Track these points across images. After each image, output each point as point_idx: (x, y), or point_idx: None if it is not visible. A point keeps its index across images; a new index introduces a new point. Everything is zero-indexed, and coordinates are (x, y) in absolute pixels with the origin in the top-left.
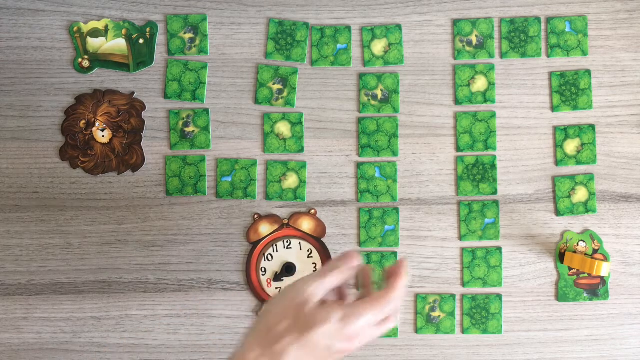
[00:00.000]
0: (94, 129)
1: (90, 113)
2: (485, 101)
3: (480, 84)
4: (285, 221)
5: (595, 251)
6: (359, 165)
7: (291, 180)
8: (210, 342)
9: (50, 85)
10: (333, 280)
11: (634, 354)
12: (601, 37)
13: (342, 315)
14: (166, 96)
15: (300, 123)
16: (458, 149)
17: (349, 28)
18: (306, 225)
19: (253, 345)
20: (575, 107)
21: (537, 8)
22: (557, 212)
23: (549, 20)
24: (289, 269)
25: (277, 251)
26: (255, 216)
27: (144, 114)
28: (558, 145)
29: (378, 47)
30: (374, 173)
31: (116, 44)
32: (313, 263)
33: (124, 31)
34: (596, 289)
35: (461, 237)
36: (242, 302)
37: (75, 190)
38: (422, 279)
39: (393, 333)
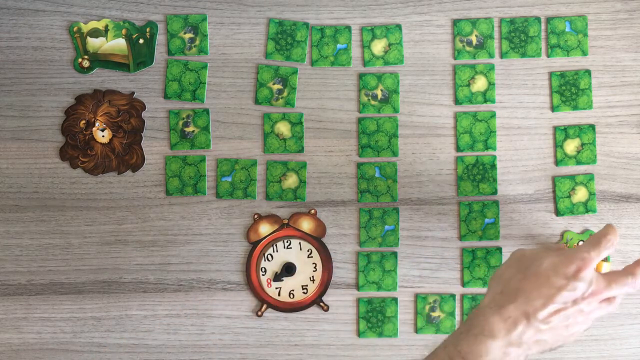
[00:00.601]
0: (94, 129)
1: (90, 113)
2: (485, 101)
3: (480, 84)
4: (285, 221)
5: None
6: (359, 165)
7: (291, 180)
8: (210, 342)
9: (50, 85)
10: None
11: (634, 354)
12: (601, 37)
13: (561, 252)
14: (166, 96)
15: (300, 123)
16: (458, 149)
17: (349, 28)
18: (306, 225)
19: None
20: (575, 107)
21: (537, 8)
22: (557, 212)
23: (549, 20)
24: (289, 269)
25: (277, 251)
26: (255, 216)
27: (144, 114)
28: (558, 145)
29: (378, 47)
30: (374, 173)
31: (116, 44)
32: (313, 263)
33: (124, 31)
34: None
35: (461, 237)
36: (242, 302)
37: (75, 190)
38: (422, 279)
39: (393, 333)
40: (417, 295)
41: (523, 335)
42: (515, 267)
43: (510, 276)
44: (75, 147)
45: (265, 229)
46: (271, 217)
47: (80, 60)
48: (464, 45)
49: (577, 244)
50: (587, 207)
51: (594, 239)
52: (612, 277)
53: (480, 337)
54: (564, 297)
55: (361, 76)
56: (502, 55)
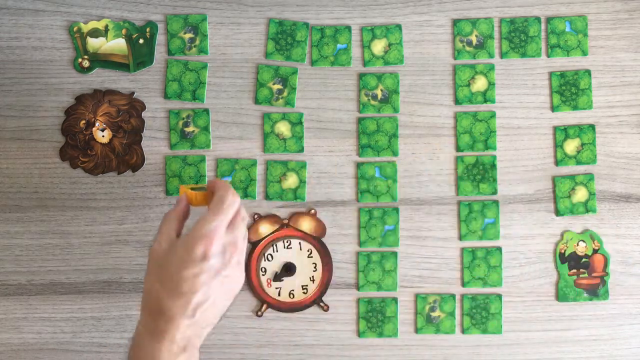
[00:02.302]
0: (94, 129)
1: (90, 113)
2: (485, 101)
3: (480, 84)
4: (285, 221)
5: (595, 251)
6: (359, 165)
7: (291, 180)
8: (210, 342)
9: (50, 85)
10: (167, 226)
11: (634, 354)
12: (601, 37)
13: (184, 237)
14: (166, 96)
15: (300, 123)
16: (458, 149)
17: (349, 28)
18: (306, 225)
19: (143, 315)
20: (575, 107)
21: (537, 8)
22: (557, 212)
23: (549, 20)
24: (289, 269)
25: (277, 251)
26: (255, 216)
27: (144, 114)
28: (558, 145)
29: (378, 47)
30: (374, 173)
31: (116, 44)
32: (313, 263)
33: (124, 31)
34: (596, 289)
35: (461, 237)
36: (242, 302)
37: (75, 190)
38: (422, 279)
39: (393, 333)
40: (417, 295)
41: (185, 335)
42: (153, 274)
43: (150, 288)
44: (75, 147)
45: (265, 229)
46: (271, 217)
47: (80, 60)
48: (464, 45)
49: (577, 244)
50: (587, 207)
51: (214, 206)
52: (233, 224)
53: None
54: (204, 279)
55: (361, 76)
56: (502, 55)
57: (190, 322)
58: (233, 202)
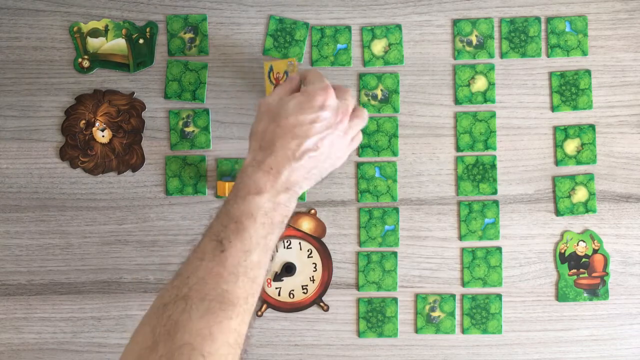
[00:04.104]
0: (94, 129)
1: (90, 113)
2: (485, 101)
3: (480, 84)
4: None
5: (595, 251)
6: (359, 165)
7: None
8: None
9: (50, 85)
10: (282, 88)
11: (634, 354)
12: (601, 37)
13: (302, 89)
14: (166, 96)
15: None
16: (458, 149)
17: (349, 28)
18: (306, 225)
19: (252, 149)
20: (575, 107)
21: (537, 8)
22: (557, 212)
23: (549, 20)
24: (289, 269)
25: (277, 251)
26: None
27: (144, 114)
28: (558, 145)
29: (378, 47)
30: (374, 173)
31: (116, 44)
32: (313, 263)
33: (124, 31)
34: (596, 289)
35: (461, 237)
36: None
37: (75, 190)
38: (422, 279)
39: (393, 333)
40: (417, 295)
41: (290, 178)
42: (265, 119)
43: (264, 129)
44: (75, 147)
45: None
46: None
47: (80, 60)
48: (464, 45)
49: (577, 244)
50: (587, 207)
51: (316, 75)
52: (342, 94)
53: (248, 197)
54: (318, 128)
55: (361, 76)
56: (502, 55)
57: (297, 165)
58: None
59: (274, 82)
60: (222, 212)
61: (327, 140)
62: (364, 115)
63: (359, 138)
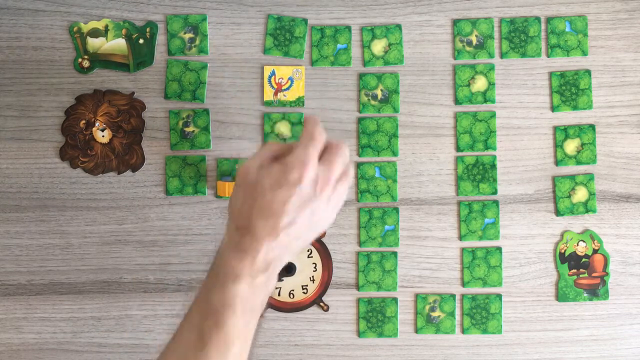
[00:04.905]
0: (94, 129)
1: (90, 113)
2: (485, 101)
3: (480, 84)
4: None
5: (595, 251)
6: (359, 165)
7: None
8: None
9: (50, 85)
10: (265, 151)
11: (634, 354)
12: (601, 37)
13: (280, 161)
14: (166, 96)
15: (301, 123)
16: (458, 149)
17: (349, 28)
18: None
19: (230, 229)
20: (575, 107)
21: (537, 8)
22: (557, 212)
23: (549, 20)
24: (289, 269)
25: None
26: None
27: (144, 114)
28: (558, 145)
29: (378, 47)
30: (374, 173)
31: (116, 44)
32: (313, 263)
33: (124, 31)
34: (596, 289)
35: (461, 237)
36: None
37: (75, 190)
38: (422, 279)
39: (393, 333)
40: (417, 295)
41: (268, 257)
42: (242, 193)
43: (240, 206)
44: (75, 147)
45: None
46: None
47: (80, 60)
48: (464, 45)
49: (577, 244)
50: (587, 207)
51: (306, 136)
52: (329, 158)
53: (226, 284)
54: (295, 205)
55: (361, 76)
56: (502, 55)
57: (274, 243)
58: (320, 136)
59: (275, 86)
60: (201, 298)
61: (306, 214)
62: (350, 177)
63: (344, 196)
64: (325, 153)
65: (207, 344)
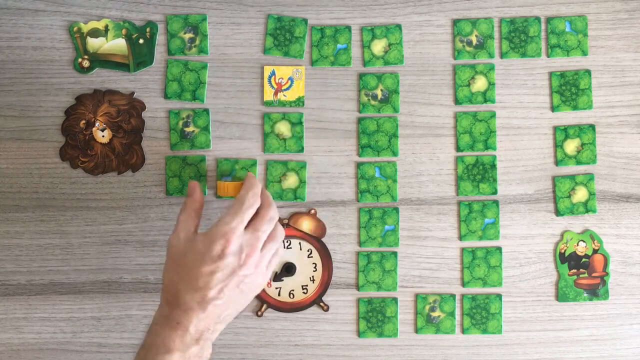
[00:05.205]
0: (94, 129)
1: (90, 113)
2: (485, 101)
3: (480, 84)
4: (285, 221)
5: (595, 251)
6: (359, 165)
7: (291, 180)
8: None
9: (50, 85)
10: (184, 219)
11: (634, 354)
12: (601, 37)
13: (203, 234)
14: (166, 96)
15: (300, 123)
16: (458, 149)
17: (349, 28)
18: (306, 225)
19: (163, 306)
20: (575, 107)
21: (537, 8)
22: (557, 212)
23: (549, 20)
24: (289, 269)
25: None
26: None
27: (144, 114)
28: (558, 145)
29: (378, 47)
30: (374, 173)
31: (116, 44)
32: (313, 263)
33: (124, 31)
34: (596, 289)
35: (461, 237)
36: None
37: (75, 190)
38: (422, 279)
39: (393, 333)
40: (417, 295)
41: (199, 329)
42: (171, 267)
43: (169, 280)
44: (75, 147)
45: None
46: None
47: (80, 60)
48: (464, 45)
49: (577, 244)
50: (587, 207)
51: (235, 206)
52: (254, 225)
53: (158, 358)
54: (220, 277)
55: (361, 76)
56: (502, 55)
57: (203, 315)
58: (252, 203)
59: (275, 86)
60: None
61: (232, 284)
62: (279, 236)
63: (279, 254)
64: (253, 218)
65: None
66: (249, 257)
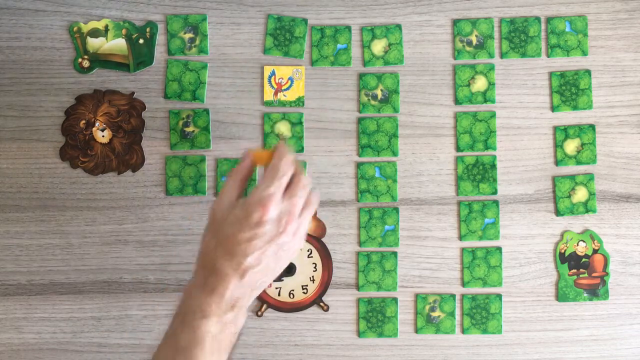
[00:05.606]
0: (94, 129)
1: (90, 113)
2: (485, 101)
3: (480, 84)
4: None
5: (595, 251)
6: (359, 165)
7: None
8: None
9: (50, 85)
10: (230, 185)
11: (634, 354)
12: (601, 37)
13: (243, 201)
14: (166, 96)
15: (300, 123)
16: (458, 149)
17: (349, 28)
18: None
19: (198, 271)
20: (575, 107)
21: (537, 8)
22: (557, 212)
23: (549, 20)
24: (289, 269)
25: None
26: None
27: (144, 114)
28: (558, 145)
29: (378, 47)
30: (374, 173)
31: (116, 44)
32: (313, 263)
33: (124, 31)
34: (596, 289)
35: (461, 237)
36: None
37: (75, 190)
38: (422, 279)
39: (393, 333)
40: (417, 295)
41: (234, 296)
42: (210, 233)
43: (207, 246)
44: (75, 147)
45: None
46: None
47: (80, 60)
48: (464, 45)
49: (577, 244)
50: (587, 207)
51: (270, 173)
52: (291, 192)
53: (194, 322)
54: (257, 245)
55: (361, 76)
56: (502, 55)
57: (240, 283)
58: (287, 171)
59: (275, 86)
60: (169, 338)
61: (269, 252)
62: (314, 203)
63: (309, 222)
64: (289, 186)
65: None
66: (288, 224)
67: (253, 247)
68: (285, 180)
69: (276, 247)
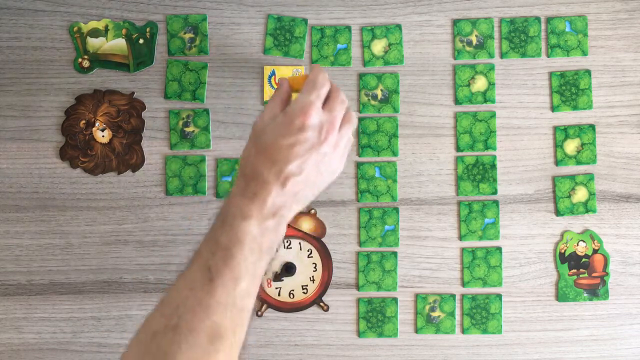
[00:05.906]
0: (94, 129)
1: (90, 113)
2: (485, 101)
3: (480, 84)
4: None
5: (595, 251)
6: (359, 165)
7: None
8: None
9: (50, 85)
10: (271, 105)
11: (634, 354)
12: (601, 37)
13: (284, 112)
14: (166, 96)
15: None
16: (458, 149)
17: (349, 28)
18: (306, 225)
19: (240, 181)
20: (575, 107)
21: (537, 8)
22: (557, 212)
23: (549, 20)
24: (289, 269)
25: (277, 251)
26: None
27: (144, 114)
28: (558, 145)
29: (378, 47)
30: (374, 173)
31: (116, 44)
32: (313, 263)
33: (124, 31)
34: (596, 289)
35: (461, 237)
36: None
37: (75, 190)
38: (422, 279)
39: (393, 333)
40: (417, 295)
41: (276, 204)
42: (251, 142)
43: (248, 154)
44: (75, 147)
45: None
46: None
47: (80, 60)
48: (464, 45)
49: (577, 244)
50: (587, 207)
51: (309, 84)
52: (329, 106)
53: (235, 222)
54: (299, 152)
55: (361, 76)
56: (502, 55)
57: (281, 191)
58: (324, 83)
59: (275, 86)
60: (209, 238)
61: (311, 161)
62: (353, 120)
63: (350, 142)
64: (327, 100)
65: (215, 278)
66: (329, 134)
67: (295, 154)
68: (324, 92)
69: (317, 156)
